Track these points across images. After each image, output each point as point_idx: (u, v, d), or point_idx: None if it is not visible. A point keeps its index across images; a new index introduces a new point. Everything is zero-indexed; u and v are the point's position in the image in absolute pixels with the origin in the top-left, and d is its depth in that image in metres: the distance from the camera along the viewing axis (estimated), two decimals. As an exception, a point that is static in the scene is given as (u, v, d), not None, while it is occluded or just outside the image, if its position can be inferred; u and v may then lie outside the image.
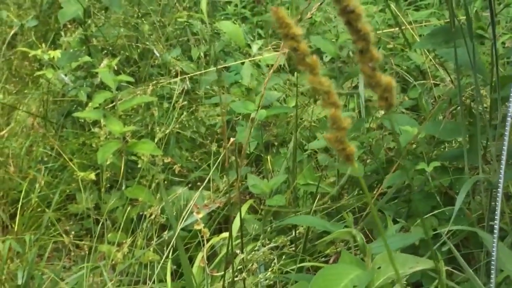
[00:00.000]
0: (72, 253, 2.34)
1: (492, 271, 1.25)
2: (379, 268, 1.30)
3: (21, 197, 2.40)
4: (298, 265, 1.84)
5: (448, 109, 2.04)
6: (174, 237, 1.81)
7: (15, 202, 2.45)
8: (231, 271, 1.80)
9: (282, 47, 2.62)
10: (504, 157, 1.40)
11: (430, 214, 1.99)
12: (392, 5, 3.43)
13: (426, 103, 2.16)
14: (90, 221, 2.35)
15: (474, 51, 1.70)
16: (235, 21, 3.51)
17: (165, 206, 1.99)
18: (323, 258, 2.07)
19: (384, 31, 3.27)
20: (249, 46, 2.99)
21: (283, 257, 1.88)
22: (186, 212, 2.22)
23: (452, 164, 2.17)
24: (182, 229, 2.19)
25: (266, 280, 1.81)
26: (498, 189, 1.33)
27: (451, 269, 1.80)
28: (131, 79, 2.48)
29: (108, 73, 2.39)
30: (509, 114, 1.34)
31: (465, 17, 1.80)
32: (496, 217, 1.23)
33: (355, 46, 0.65)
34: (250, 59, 2.74)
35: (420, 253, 1.96)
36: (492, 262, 1.25)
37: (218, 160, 2.25)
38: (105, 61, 2.43)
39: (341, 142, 0.67)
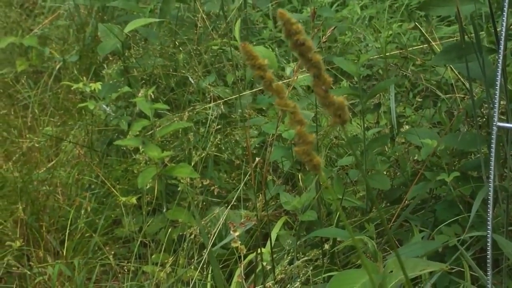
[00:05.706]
0: (119, 275, 2.44)
1: (488, 267, 1.33)
2: (391, 272, 1.39)
3: (69, 224, 2.51)
4: (324, 275, 1.93)
5: (465, 121, 2.11)
6: (205, 254, 1.92)
7: (64, 229, 2.56)
8: (264, 285, 1.90)
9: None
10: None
11: (450, 220, 2.06)
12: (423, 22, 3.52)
13: (445, 116, 2.24)
14: (135, 244, 2.45)
15: (484, 64, 1.79)
16: (270, 45, 3.61)
17: (199, 226, 2.10)
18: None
19: (415, 47, 3.36)
20: (283, 69, 3.10)
21: (311, 268, 1.97)
22: (224, 231, 2.33)
23: (477, 173, 2.24)
24: (222, 247, 2.30)
25: (297, 291, 1.90)
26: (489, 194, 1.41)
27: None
28: (166, 107, 2.59)
29: (145, 102, 2.51)
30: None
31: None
32: (488, 215, 1.31)
33: (309, 73, 0.75)
34: (283, 81, 2.84)
35: (446, 260, 2.03)
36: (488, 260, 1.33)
37: (249, 179, 2.34)
38: (142, 91, 2.54)
39: (308, 154, 0.77)
